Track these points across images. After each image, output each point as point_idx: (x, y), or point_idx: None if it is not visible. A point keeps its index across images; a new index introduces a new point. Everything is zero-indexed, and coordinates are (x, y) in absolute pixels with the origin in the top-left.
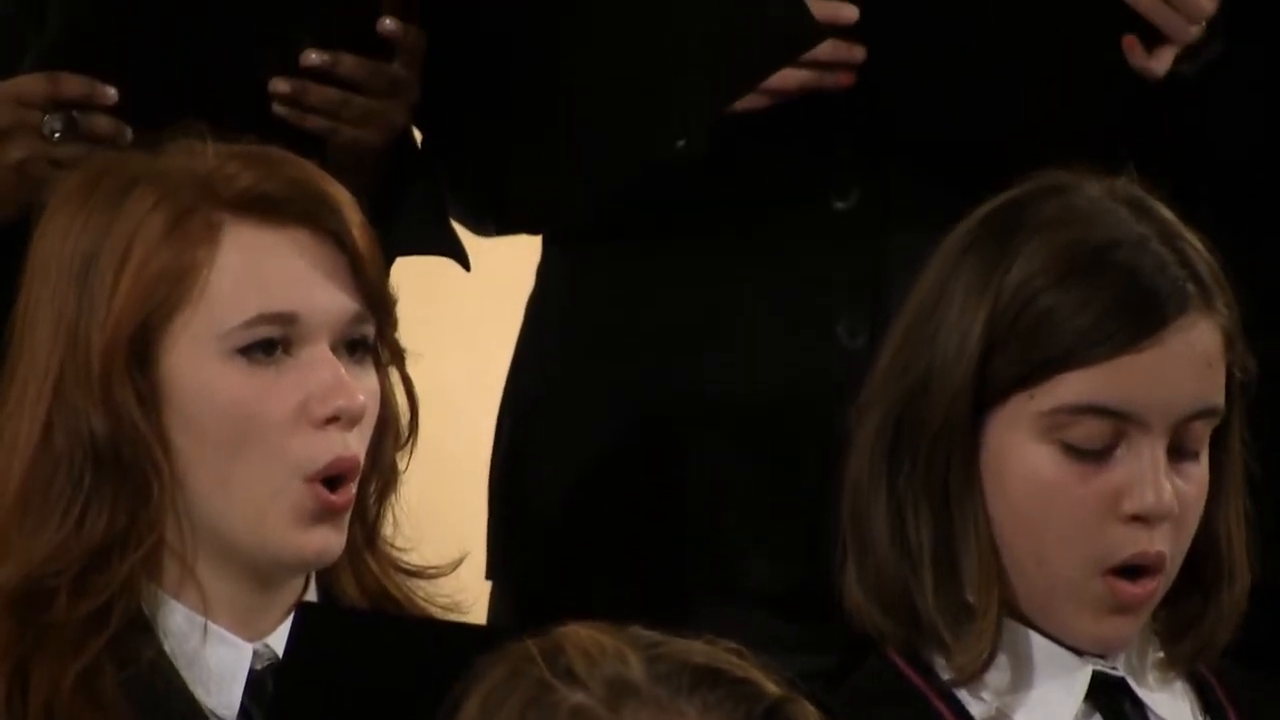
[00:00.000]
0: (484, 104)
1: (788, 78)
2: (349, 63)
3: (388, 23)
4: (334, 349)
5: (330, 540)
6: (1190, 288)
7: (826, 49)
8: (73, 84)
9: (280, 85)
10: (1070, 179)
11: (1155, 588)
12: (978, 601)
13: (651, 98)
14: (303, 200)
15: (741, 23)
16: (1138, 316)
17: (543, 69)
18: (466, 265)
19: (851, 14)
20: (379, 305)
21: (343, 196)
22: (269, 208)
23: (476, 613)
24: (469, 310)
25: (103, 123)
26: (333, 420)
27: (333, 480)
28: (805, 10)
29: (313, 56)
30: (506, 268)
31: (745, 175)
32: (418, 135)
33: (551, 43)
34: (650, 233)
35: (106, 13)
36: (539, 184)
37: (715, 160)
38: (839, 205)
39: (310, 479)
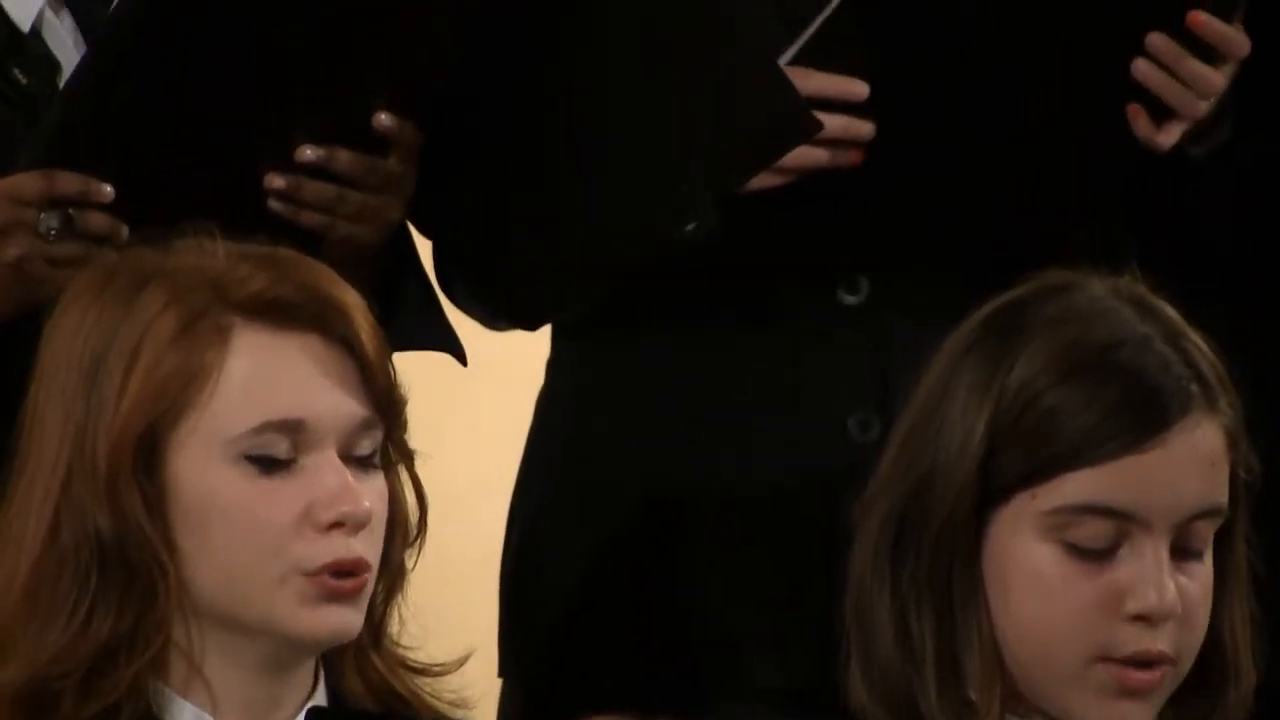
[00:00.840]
0: (481, 195)
1: (797, 156)
2: (344, 158)
3: (383, 118)
4: (342, 454)
5: (346, 617)
6: (1194, 388)
7: (837, 125)
8: (68, 181)
9: (275, 181)
10: (1073, 278)
11: (1161, 676)
12: (980, 700)
13: (648, 185)
14: (313, 305)
15: (738, 113)
16: (1141, 416)
17: (541, 157)
18: (463, 360)
19: (862, 91)
20: (388, 410)
21: (353, 301)
22: (280, 313)
23: (483, 709)
24: (478, 405)
25: (99, 220)
26: (337, 525)
27: (339, 573)
28: (801, 102)
29: (308, 152)
30: (518, 364)
31: (753, 269)
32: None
33: (549, 131)
34: (658, 327)
35: (101, 110)
36: (542, 274)
37: (723, 254)
38: (848, 299)
39: (312, 574)
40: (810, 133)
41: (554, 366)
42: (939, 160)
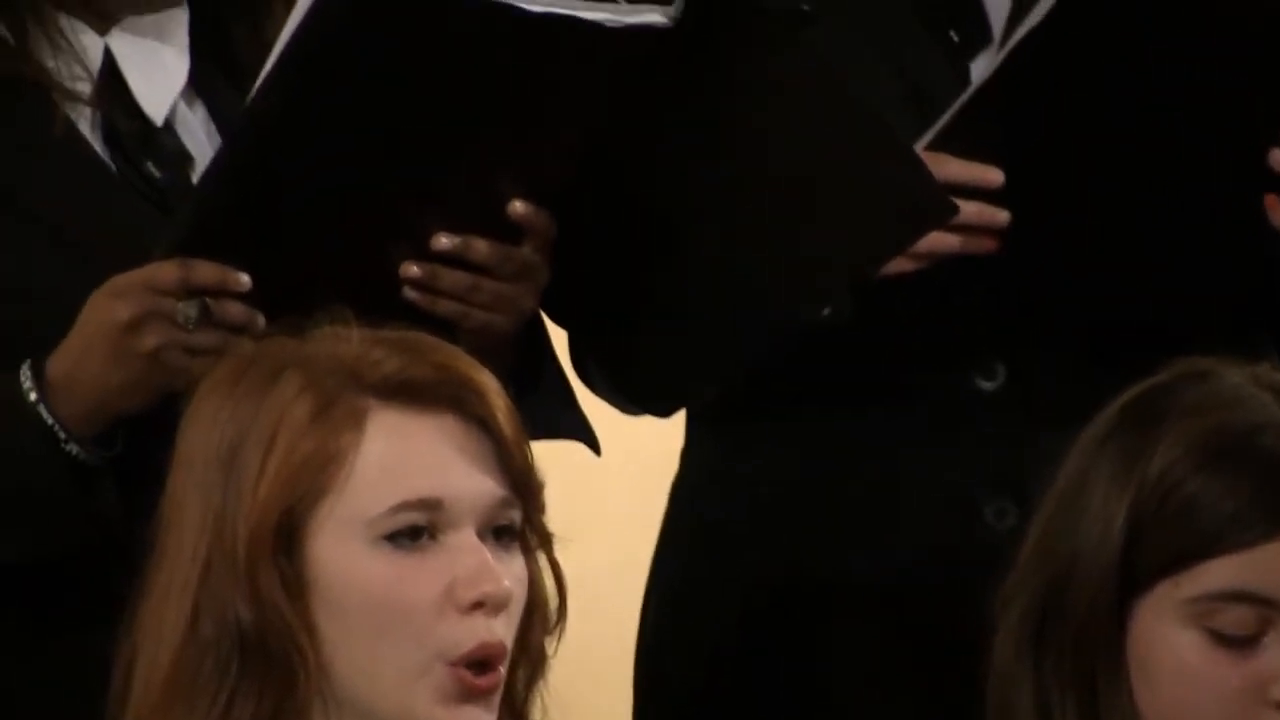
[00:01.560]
0: (613, 281)
1: (931, 241)
2: (479, 247)
3: (518, 206)
4: (480, 534)
5: (479, 718)
6: None
7: (971, 211)
8: (206, 271)
9: (411, 269)
10: (1211, 365)
11: None
12: None
13: (782, 270)
14: (448, 385)
15: (873, 198)
16: None
17: (673, 243)
18: (596, 449)
19: (996, 178)
20: (526, 490)
21: (488, 381)
22: (414, 393)
23: None
24: (615, 494)
25: (236, 309)
26: (478, 606)
27: (479, 664)
28: (937, 187)
29: (443, 241)
30: (655, 450)
31: (887, 354)
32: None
33: (682, 216)
34: (791, 413)
35: (238, 199)
36: (675, 360)
37: (857, 338)
38: (985, 385)
39: (454, 663)
40: (946, 217)
41: (688, 453)
42: (1075, 247)
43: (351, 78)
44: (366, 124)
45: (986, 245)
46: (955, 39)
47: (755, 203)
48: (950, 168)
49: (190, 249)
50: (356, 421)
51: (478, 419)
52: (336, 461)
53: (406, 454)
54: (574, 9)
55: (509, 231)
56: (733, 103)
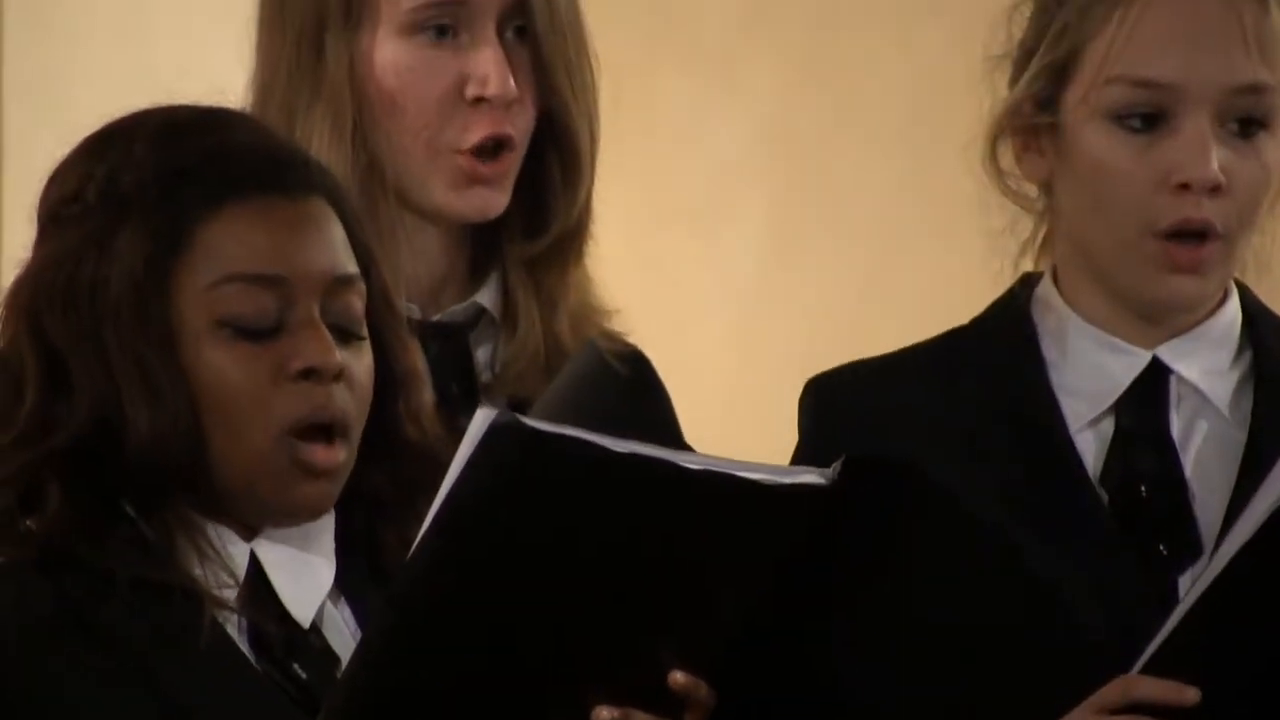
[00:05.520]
0: None
1: None
2: (640, 719)
3: (678, 677)
4: None
5: None
6: None
7: (1157, 690)
8: None
9: None
10: None
11: None
12: None
13: None
14: None
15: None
16: None
17: (837, 710)
18: None
19: (1192, 697)
20: None
21: None
22: None
23: None
24: None
25: None
26: None
27: None
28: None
29: (604, 713)
30: None
31: None
32: None
33: (845, 682)
34: None
35: (389, 677)
36: None
37: None
38: None
39: None
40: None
41: None
42: None
43: (503, 543)
44: (519, 589)
45: None
46: (1164, 551)
47: (919, 669)
48: (1143, 687)
49: (348, 714)
50: None
51: None
52: None
53: None
54: (732, 468)
55: (670, 700)
56: (898, 566)
